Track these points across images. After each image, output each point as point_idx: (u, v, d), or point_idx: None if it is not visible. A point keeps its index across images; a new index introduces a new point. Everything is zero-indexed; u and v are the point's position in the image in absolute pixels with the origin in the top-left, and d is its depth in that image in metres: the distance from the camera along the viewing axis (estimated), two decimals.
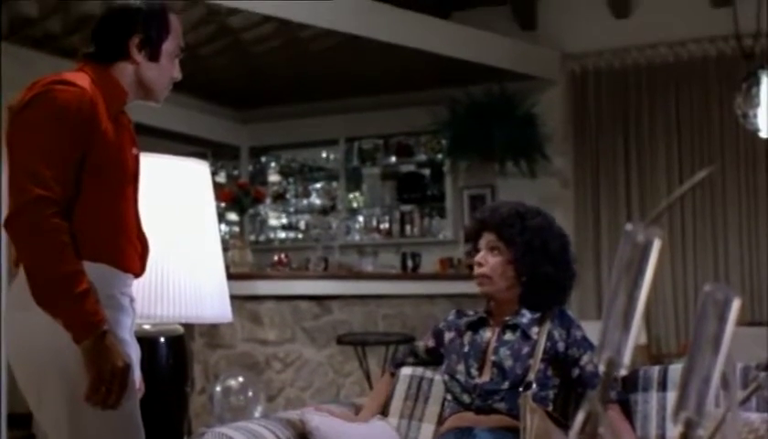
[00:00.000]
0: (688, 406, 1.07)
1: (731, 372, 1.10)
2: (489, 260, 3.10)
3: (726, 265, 8.14)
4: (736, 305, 1.07)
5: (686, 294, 8.22)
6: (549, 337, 3.03)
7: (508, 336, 3.08)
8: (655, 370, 3.17)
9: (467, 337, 3.16)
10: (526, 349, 3.03)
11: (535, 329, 3.05)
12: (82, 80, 2.61)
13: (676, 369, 3.15)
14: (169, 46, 2.84)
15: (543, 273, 3.06)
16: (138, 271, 2.53)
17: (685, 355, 1.10)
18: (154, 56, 2.80)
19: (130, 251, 2.55)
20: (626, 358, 1.09)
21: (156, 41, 2.80)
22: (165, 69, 2.86)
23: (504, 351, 3.05)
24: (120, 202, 2.57)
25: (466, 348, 3.13)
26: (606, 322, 1.10)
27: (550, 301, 3.10)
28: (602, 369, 1.10)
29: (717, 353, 1.07)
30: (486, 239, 3.13)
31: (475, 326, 3.18)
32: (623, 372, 1.09)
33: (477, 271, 3.13)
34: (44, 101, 2.52)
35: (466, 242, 3.31)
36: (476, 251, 3.16)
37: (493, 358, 3.06)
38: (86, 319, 2.39)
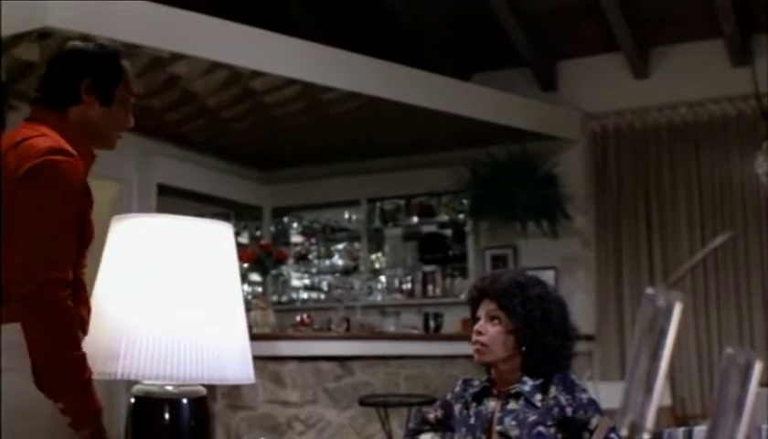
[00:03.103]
0: None
1: (755, 434, 1.10)
2: (489, 329, 3.09)
3: (751, 325, 8.08)
4: (758, 367, 1.07)
5: (710, 354, 8.16)
6: (556, 402, 3.01)
7: (512, 405, 3.06)
8: (679, 432, 3.14)
9: (473, 408, 3.14)
10: (532, 417, 3.01)
11: (538, 396, 3.03)
12: (65, 144, 2.59)
13: (701, 431, 3.12)
14: (122, 91, 2.82)
15: (543, 343, 3.04)
16: (86, 334, 2.55)
17: (710, 416, 1.10)
18: (106, 100, 2.77)
19: (86, 316, 2.57)
20: (650, 421, 1.09)
21: (109, 85, 2.77)
22: (117, 115, 2.83)
23: (509, 421, 3.02)
24: (81, 266, 2.63)
25: (472, 420, 3.11)
26: (629, 384, 1.10)
27: (552, 369, 3.08)
28: (624, 432, 1.10)
29: (740, 415, 1.07)
30: (486, 308, 3.11)
31: (480, 396, 3.16)
32: (646, 436, 1.09)
33: (476, 339, 3.10)
34: (51, 174, 2.51)
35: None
36: (475, 319, 3.14)
37: (498, 428, 3.03)
38: (89, 408, 2.43)
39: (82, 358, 2.42)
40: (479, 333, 3.10)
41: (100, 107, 2.76)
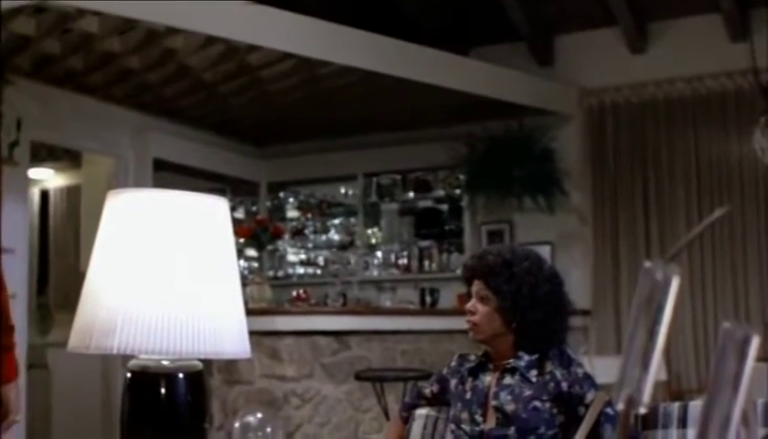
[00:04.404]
0: None
1: (752, 410, 1.10)
2: (479, 308, 3.10)
3: (746, 300, 8.10)
4: (755, 342, 1.07)
5: (706, 329, 8.18)
6: (552, 376, 3.02)
7: (508, 380, 3.06)
8: (675, 407, 3.15)
9: (469, 383, 3.15)
10: (527, 392, 3.01)
11: (534, 371, 3.04)
12: None
13: (696, 406, 3.13)
14: None
15: (532, 319, 3.04)
16: None
17: (706, 391, 1.10)
18: None
19: None
20: (646, 395, 1.09)
21: None
22: None
23: (504, 396, 3.03)
24: None
25: (468, 395, 3.12)
26: (626, 359, 1.10)
27: (545, 344, 3.08)
28: (620, 406, 1.10)
29: (737, 391, 1.06)
30: (476, 287, 3.12)
31: (476, 371, 3.17)
32: (642, 410, 1.08)
33: (468, 319, 3.12)
34: None
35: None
36: (470, 296, 3.16)
37: (494, 403, 3.04)
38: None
39: None
40: (471, 313, 3.12)
41: None
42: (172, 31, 6.58)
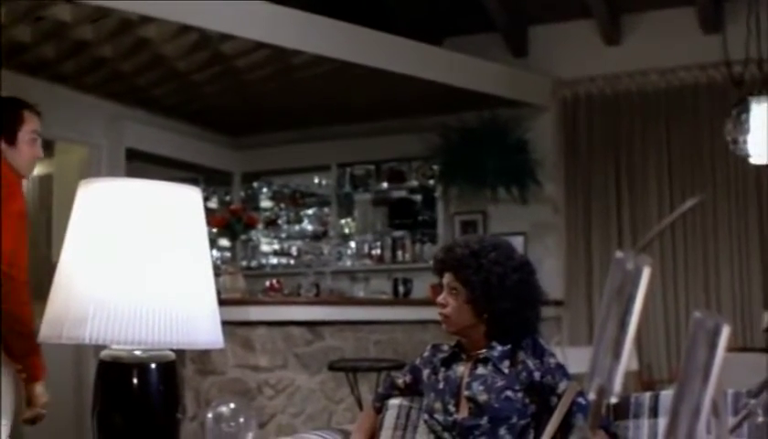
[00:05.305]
0: (679, 434, 1.07)
1: (722, 399, 1.11)
2: (450, 301, 3.11)
3: (717, 291, 8.16)
4: (726, 332, 1.07)
5: (677, 320, 8.23)
6: (524, 366, 3.03)
7: (480, 370, 3.07)
8: (646, 397, 3.17)
9: (441, 373, 3.16)
10: (500, 382, 3.02)
11: (506, 362, 3.05)
12: None
13: (667, 396, 3.14)
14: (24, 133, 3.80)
15: (503, 309, 3.05)
16: None
17: (676, 381, 1.11)
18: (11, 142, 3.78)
19: None
20: (617, 385, 1.09)
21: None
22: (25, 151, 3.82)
23: (477, 386, 3.04)
24: None
25: (441, 385, 3.12)
26: (597, 349, 1.10)
27: (518, 334, 3.08)
28: (592, 396, 1.10)
29: (707, 381, 1.07)
30: (446, 279, 3.13)
31: (449, 361, 3.18)
32: (613, 400, 1.09)
33: (440, 312, 3.13)
34: None
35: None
36: (442, 287, 3.16)
37: (466, 393, 3.05)
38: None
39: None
40: (442, 305, 3.12)
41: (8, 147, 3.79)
42: (145, 20, 6.55)
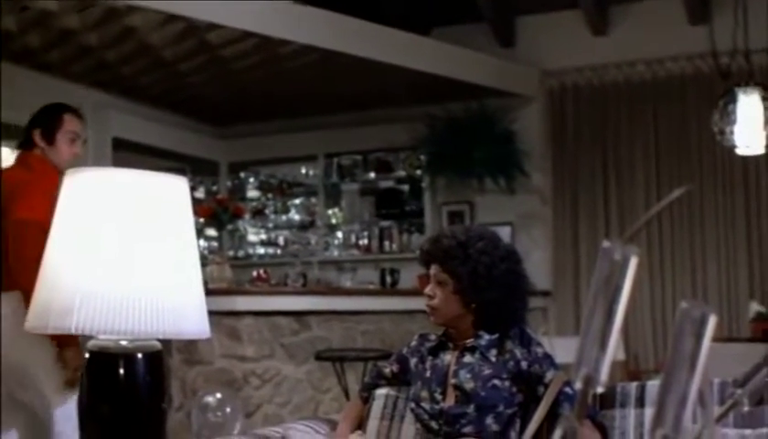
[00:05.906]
0: (665, 423, 1.07)
1: (708, 389, 1.11)
2: (437, 292, 3.11)
3: (704, 281, 8.18)
4: (712, 322, 1.08)
5: (664, 310, 8.25)
6: (512, 355, 3.03)
7: (468, 358, 3.07)
8: (632, 387, 3.18)
9: (429, 362, 3.16)
10: (487, 371, 3.03)
11: (494, 351, 3.05)
12: None
13: (653, 386, 3.15)
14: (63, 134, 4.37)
15: (490, 299, 3.05)
16: None
17: (663, 371, 1.11)
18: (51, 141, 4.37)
19: None
20: (604, 374, 1.09)
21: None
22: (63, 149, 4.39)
23: (464, 374, 3.04)
24: None
25: (428, 374, 3.13)
26: (584, 339, 1.10)
27: (505, 323, 3.09)
28: (579, 385, 1.10)
29: (693, 370, 1.07)
30: (433, 271, 3.13)
31: (436, 350, 3.18)
32: (600, 389, 1.09)
33: (427, 303, 3.13)
34: None
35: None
36: (429, 278, 3.16)
37: (453, 381, 3.05)
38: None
39: None
40: (429, 297, 3.12)
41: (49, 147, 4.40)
42: (131, 9, 6.52)
